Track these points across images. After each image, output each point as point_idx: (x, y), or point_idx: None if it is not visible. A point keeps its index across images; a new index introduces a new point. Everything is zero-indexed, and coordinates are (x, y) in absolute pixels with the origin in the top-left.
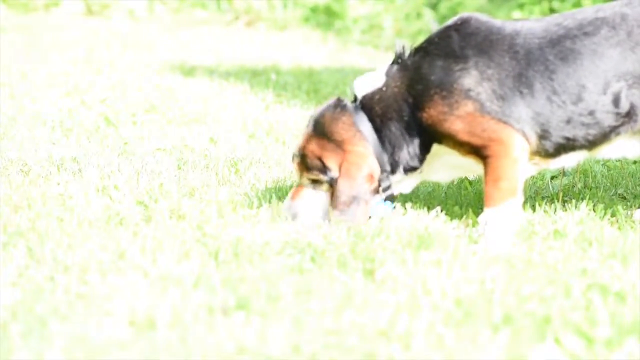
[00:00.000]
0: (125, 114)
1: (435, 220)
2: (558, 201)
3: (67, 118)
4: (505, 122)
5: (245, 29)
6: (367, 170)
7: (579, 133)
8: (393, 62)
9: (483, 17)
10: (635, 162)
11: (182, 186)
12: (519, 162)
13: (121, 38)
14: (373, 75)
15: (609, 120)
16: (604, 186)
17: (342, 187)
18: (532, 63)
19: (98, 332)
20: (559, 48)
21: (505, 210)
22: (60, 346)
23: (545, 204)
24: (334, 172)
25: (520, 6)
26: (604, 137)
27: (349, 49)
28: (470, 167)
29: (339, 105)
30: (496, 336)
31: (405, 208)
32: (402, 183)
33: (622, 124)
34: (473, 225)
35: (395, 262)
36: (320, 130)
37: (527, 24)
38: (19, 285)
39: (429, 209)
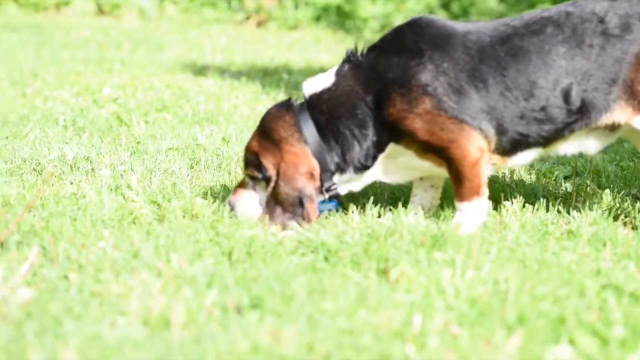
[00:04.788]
0: (137, 113)
1: (449, 220)
2: (571, 201)
3: (80, 117)
4: (462, 121)
5: (256, 28)
6: (305, 168)
7: (532, 129)
8: (344, 62)
9: (435, 17)
10: None
11: (194, 185)
12: (478, 163)
13: (132, 37)
14: (322, 75)
15: (561, 117)
16: (617, 186)
17: (285, 190)
18: (485, 59)
19: (112, 332)
20: (509, 45)
21: (471, 207)
22: (75, 345)
23: (559, 204)
24: (269, 172)
25: (532, 6)
26: (557, 133)
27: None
28: (427, 169)
29: (285, 104)
30: (510, 336)
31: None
32: (352, 183)
33: (575, 121)
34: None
35: (409, 261)
36: (263, 128)
37: (477, 23)
38: (33, 284)
39: (441, 208)
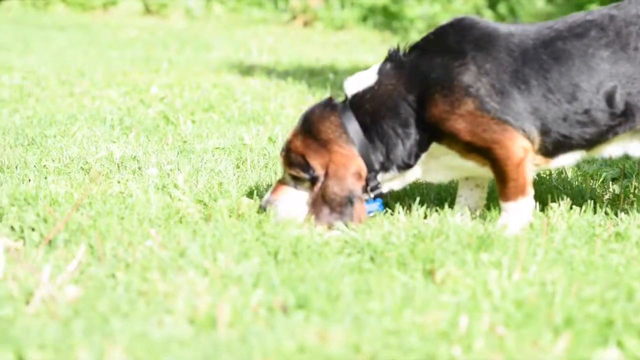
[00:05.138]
0: (184, 112)
1: (495, 221)
2: (619, 203)
3: (127, 116)
4: (505, 122)
5: (303, 28)
6: (354, 168)
7: (575, 131)
8: (385, 61)
9: (478, 17)
10: None
11: (241, 185)
12: (522, 163)
13: (179, 37)
14: (364, 74)
15: (604, 120)
16: None
17: (334, 189)
18: (527, 61)
19: (159, 330)
20: (552, 48)
21: (516, 207)
22: (122, 344)
23: (606, 206)
24: (317, 172)
25: (580, 7)
26: (601, 136)
27: None
28: (470, 169)
29: (328, 104)
30: (557, 339)
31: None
32: (394, 181)
33: (619, 124)
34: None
35: (455, 262)
36: (307, 127)
37: (520, 26)
38: (80, 282)
39: (488, 209)
